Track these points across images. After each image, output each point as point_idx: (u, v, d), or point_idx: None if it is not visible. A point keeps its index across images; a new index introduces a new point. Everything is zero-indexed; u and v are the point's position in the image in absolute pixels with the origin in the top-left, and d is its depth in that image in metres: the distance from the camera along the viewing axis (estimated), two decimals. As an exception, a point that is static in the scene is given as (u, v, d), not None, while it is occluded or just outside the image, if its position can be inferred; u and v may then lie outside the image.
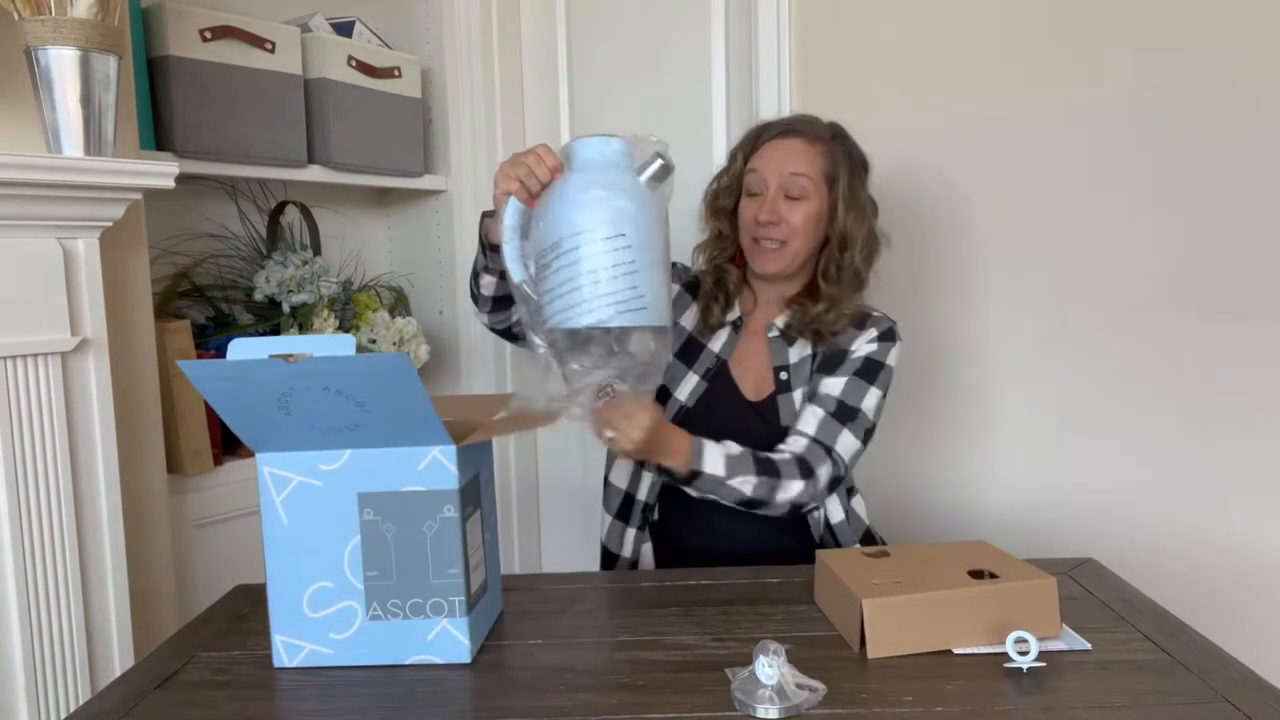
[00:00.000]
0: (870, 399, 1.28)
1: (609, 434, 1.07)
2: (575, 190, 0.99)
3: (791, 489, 1.21)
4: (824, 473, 1.23)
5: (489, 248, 1.17)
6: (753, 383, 1.33)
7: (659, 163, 1.02)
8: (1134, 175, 1.57)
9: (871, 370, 1.29)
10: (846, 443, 1.26)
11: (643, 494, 1.35)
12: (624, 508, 1.36)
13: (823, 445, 1.25)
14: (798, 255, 1.30)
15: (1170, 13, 1.52)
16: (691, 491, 1.21)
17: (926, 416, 1.77)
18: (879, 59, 1.77)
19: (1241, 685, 0.82)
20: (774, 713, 0.79)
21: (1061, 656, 0.89)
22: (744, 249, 1.35)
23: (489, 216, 1.16)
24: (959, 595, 0.91)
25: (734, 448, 1.20)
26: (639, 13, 2.00)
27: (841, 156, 1.30)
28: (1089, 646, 0.91)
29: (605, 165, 1.01)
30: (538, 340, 1.03)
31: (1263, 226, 1.48)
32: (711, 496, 1.20)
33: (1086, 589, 1.07)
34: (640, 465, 1.35)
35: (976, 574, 0.95)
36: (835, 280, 1.30)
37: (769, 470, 1.20)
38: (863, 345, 1.30)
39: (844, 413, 1.27)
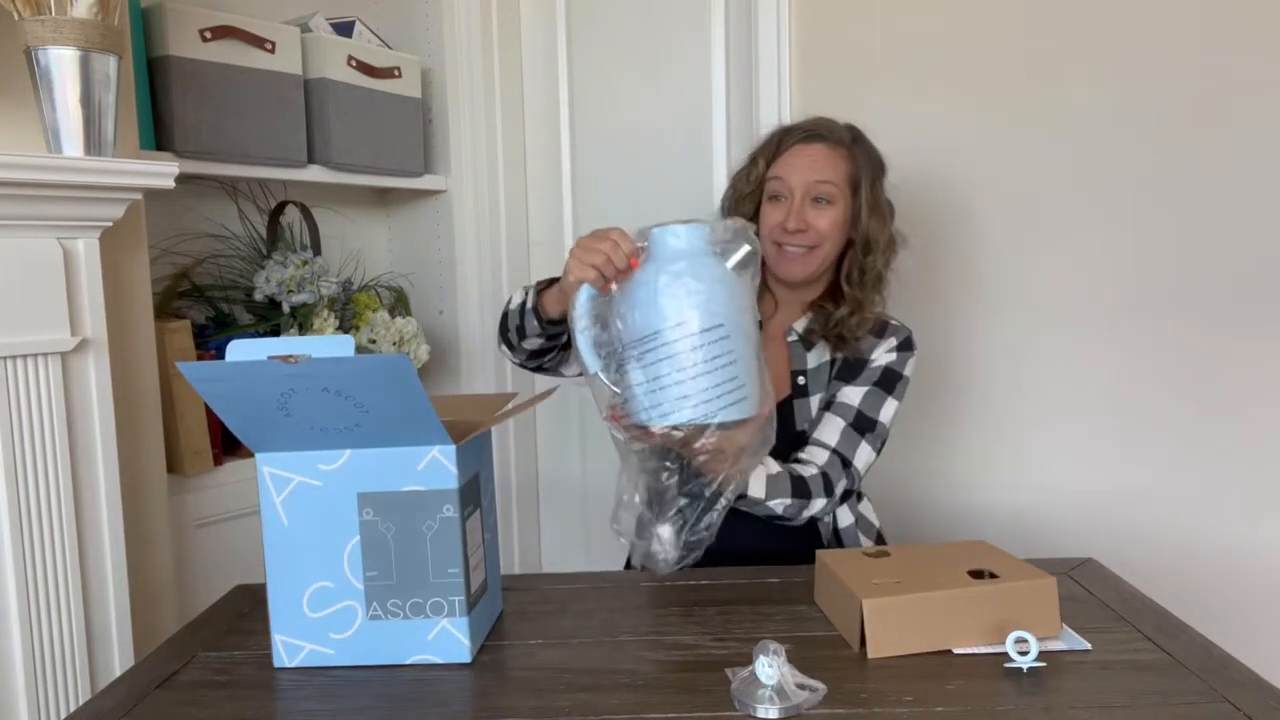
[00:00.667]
0: (888, 410, 1.29)
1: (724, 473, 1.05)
2: (666, 281, 0.95)
3: (814, 506, 1.22)
4: (840, 487, 1.24)
5: (545, 320, 1.16)
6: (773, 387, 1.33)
7: (746, 248, 0.99)
8: (1135, 177, 1.57)
9: (890, 381, 1.30)
10: (864, 455, 1.27)
11: None
12: None
13: (842, 458, 1.25)
14: (825, 260, 1.29)
15: (1173, 16, 1.52)
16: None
17: (927, 417, 1.77)
18: (879, 60, 1.77)
19: (1242, 685, 0.82)
20: (774, 713, 0.79)
21: (1062, 656, 0.89)
22: (766, 255, 1.32)
23: (543, 288, 1.17)
24: (959, 595, 0.91)
25: (773, 466, 1.20)
26: (639, 13, 2.00)
27: (864, 160, 1.29)
28: (1089, 646, 0.91)
29: (693, 254, 0.97)
30: (617, 435, 1.02)
31: (1265, 228, 1.48)
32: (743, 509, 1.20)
33: (1087, 589, 1.07)
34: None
35: (976, 574, 0.95)
36: (859, 283, 1.30)
37: (801, 491, 1.20)
38: (882, 355, 1.30)
39: (863, 424, 1.27)
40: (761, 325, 1.35)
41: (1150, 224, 1.56)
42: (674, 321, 0.94)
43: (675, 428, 0.96)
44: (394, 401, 0.84)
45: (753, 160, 1.34)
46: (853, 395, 1.28)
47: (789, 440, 1.29)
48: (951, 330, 1.75)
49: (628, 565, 1.42)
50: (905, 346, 1.32)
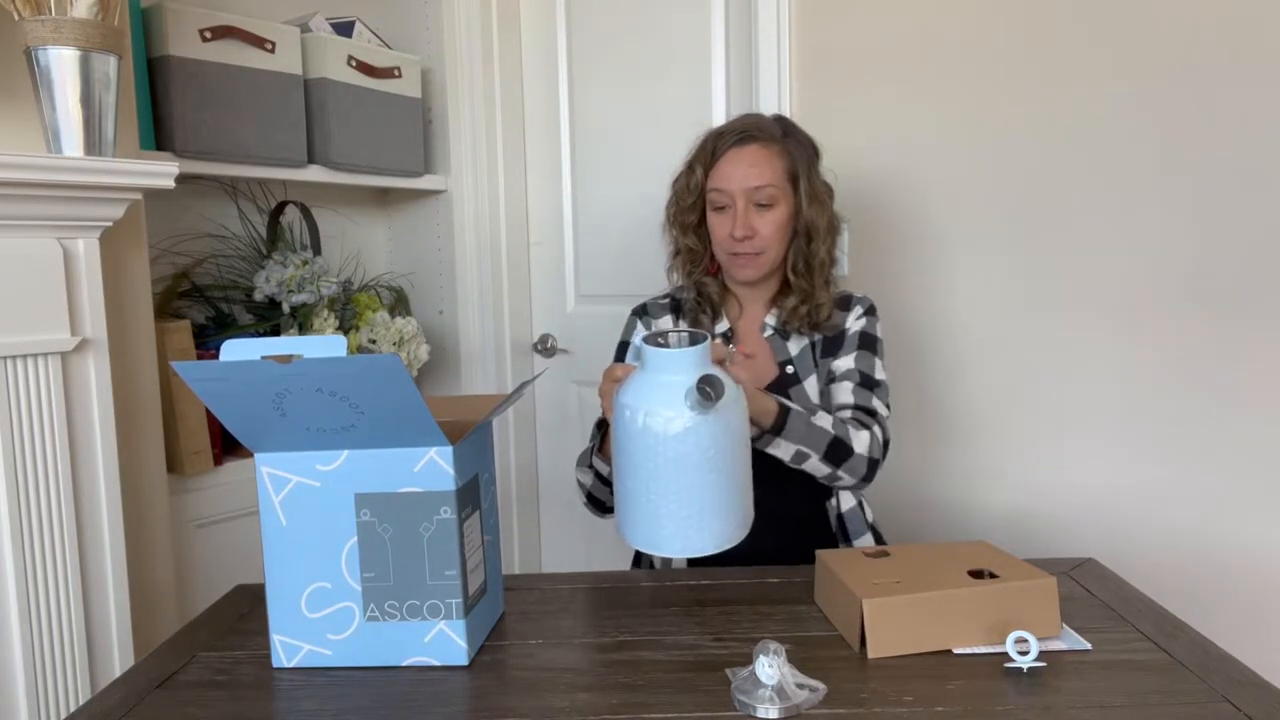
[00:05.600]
0: (881, 369, 1.33)
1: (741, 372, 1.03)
2: (648, 411, 0.90)
3: (861, 438, 1.22)
4: (878, 430, 1.26)
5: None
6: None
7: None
8: (1135, 175, 1.57)
9: (870, 343, 1.34)
10: (880, 406, 1.30)
11: None
12: None
13: (864, 409, 1.28)
14: (775, 259, 1.33)
15: (1171, 14, 1.52)
16: (780, 452, 1.17)
17: (927, 417, 1.77)
18: (879, 59, 1.77)
19: (1242, 685, 0.82)
20: (774, 713, 0.79)
21: (1062, 656, 0.89)
22: (719, 261, 1.37)
23: (603, 435, 1.21)
24: (959, 595, 0.91)
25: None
26: (639, 13, 2.00)
27: (798, 151, 1.31)
28: (1089, 646, 0.91)
29: (678, 377, 0.90)
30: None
31: (1262, 225, 1.48)
32: (797, 452, 1.18)
33: (1087, 589, 1.07)
34: None
35: (977, 574, 0.95)
36: (804, 273, 1.33)
37: (835, 420, 1.22)
38: (854, 321, 1.35)
39: (868, 382, 1.31)
40: (733, 332, 1.38)
41: (1153, 222, 1.56)
42: (659, 452, 0.89)
43: None
44: (388, 402, 0.83)
45: (690, 168, 1.35)
46: (846, 363, 1.32)
47: None
48: (951, 329, 1.75)
49: (634, 565, 1.42)
50: (871, 312, 1.36)
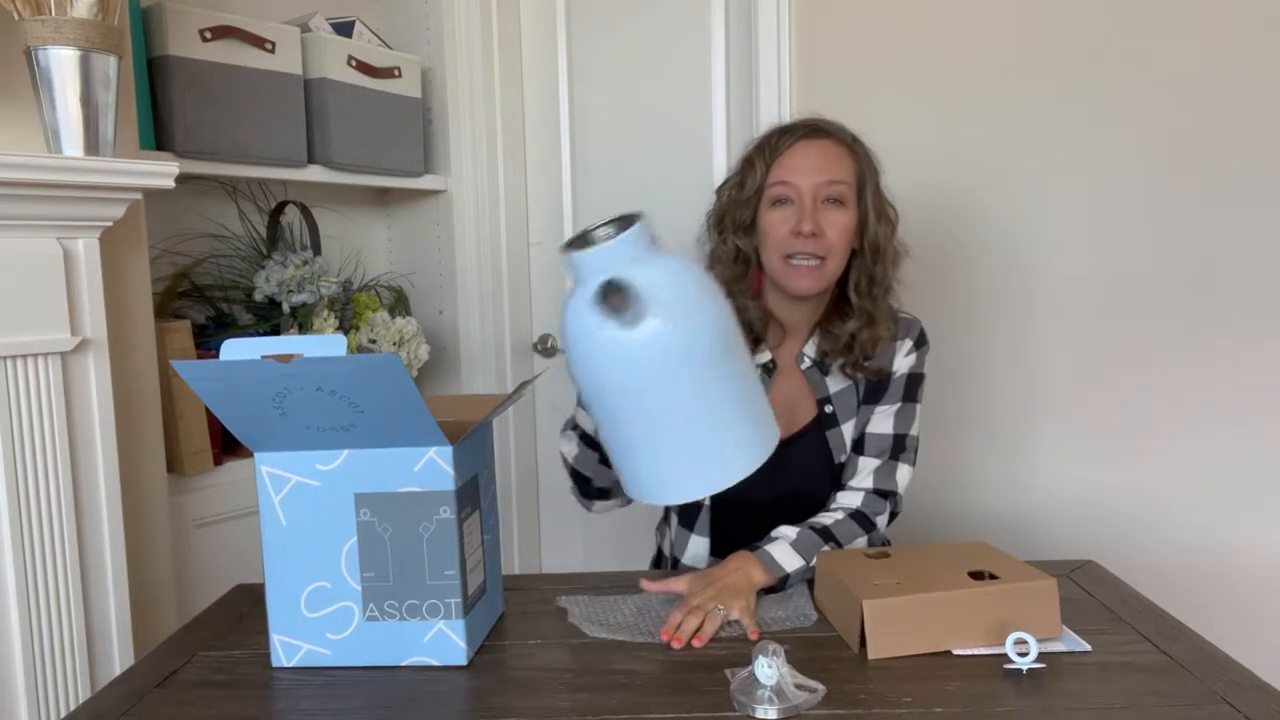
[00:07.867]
0: (917, 421, 1.25)
1: (724, 614, 0.99)
2: (615, 326, 0.74)
3: (858, 546, 1.16)
4: (882, 520, 1.20)
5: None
6: (783, 420, 1.13)
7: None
8: (1137, 178, 1.57)
9: (914, 388, 1.25)
10: (904, 476, 1.23)
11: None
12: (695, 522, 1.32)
13: (880, 493, 1.21)
14: (835, 272, 1.19)
15: (1176, 13, 1.52)
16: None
17: (927, 418, 1.76)
18: (880, 60, 1.76)
19: (1241, 687, 0.82)
20: (773, 713, 0.79)
21: (1061, 658, 0.89)
22: (770, 269, 1.20)
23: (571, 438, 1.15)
24: (959, 596, 0.91)
25: (789, 532, 1.11)
26: (639, 13, 2.00)
27: (866, 161, 1.21)
28: (1089, 648, 0.91)
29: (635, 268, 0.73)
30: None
31: (1267, 228, 1.48)
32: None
33: (1086, 591, 1.07)
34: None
35: (977, 575, 0.95)
36: (868, 294, 1.19)
37: (831, 539, 1.13)
38: (902, 361, 1.23)
39: (897, 448, 1.22)
40: (774, 363, 1.25)
41: (1154, 225, 1.56)
42: (661, 379, 0.76)
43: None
44: (388, 401, 0.83)
45: (749, 163, 1.21)
46: (884, 422, 1.23)
47: (828, 473, 1.23)
48: (952, 330, 1.75)
49: (654, 564, 1.42)
50: (920, 343, 1.25)
